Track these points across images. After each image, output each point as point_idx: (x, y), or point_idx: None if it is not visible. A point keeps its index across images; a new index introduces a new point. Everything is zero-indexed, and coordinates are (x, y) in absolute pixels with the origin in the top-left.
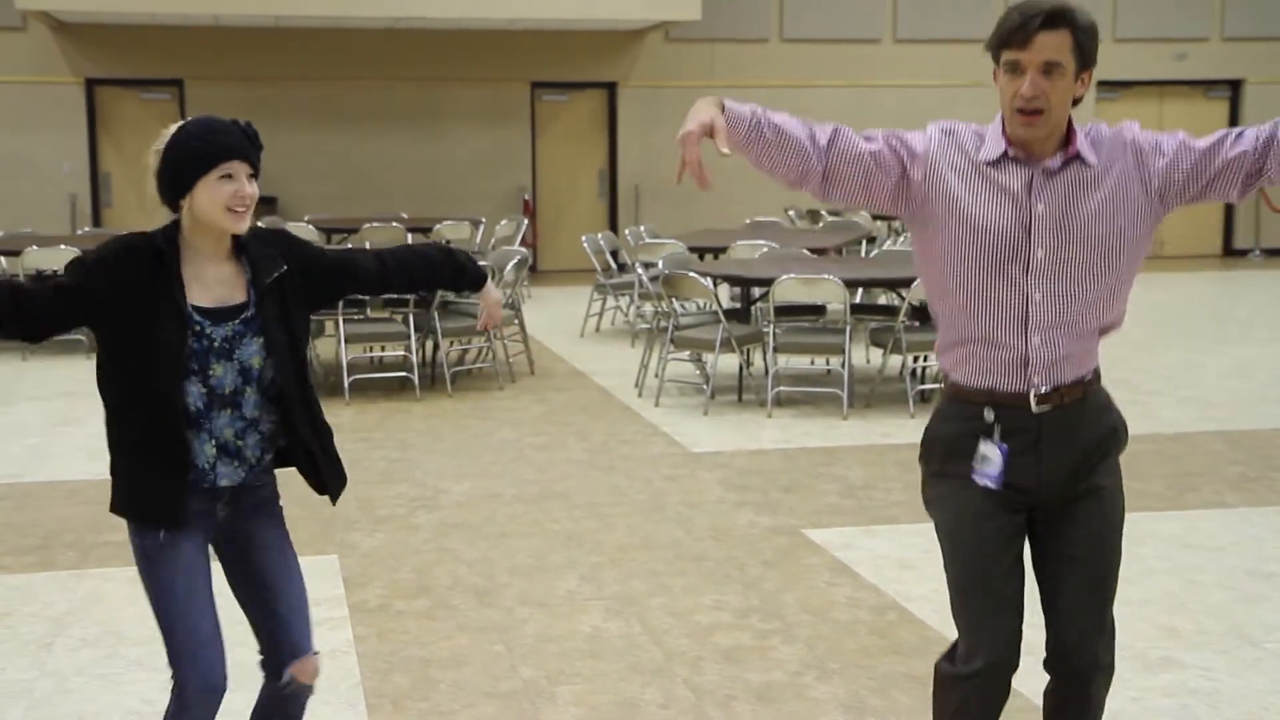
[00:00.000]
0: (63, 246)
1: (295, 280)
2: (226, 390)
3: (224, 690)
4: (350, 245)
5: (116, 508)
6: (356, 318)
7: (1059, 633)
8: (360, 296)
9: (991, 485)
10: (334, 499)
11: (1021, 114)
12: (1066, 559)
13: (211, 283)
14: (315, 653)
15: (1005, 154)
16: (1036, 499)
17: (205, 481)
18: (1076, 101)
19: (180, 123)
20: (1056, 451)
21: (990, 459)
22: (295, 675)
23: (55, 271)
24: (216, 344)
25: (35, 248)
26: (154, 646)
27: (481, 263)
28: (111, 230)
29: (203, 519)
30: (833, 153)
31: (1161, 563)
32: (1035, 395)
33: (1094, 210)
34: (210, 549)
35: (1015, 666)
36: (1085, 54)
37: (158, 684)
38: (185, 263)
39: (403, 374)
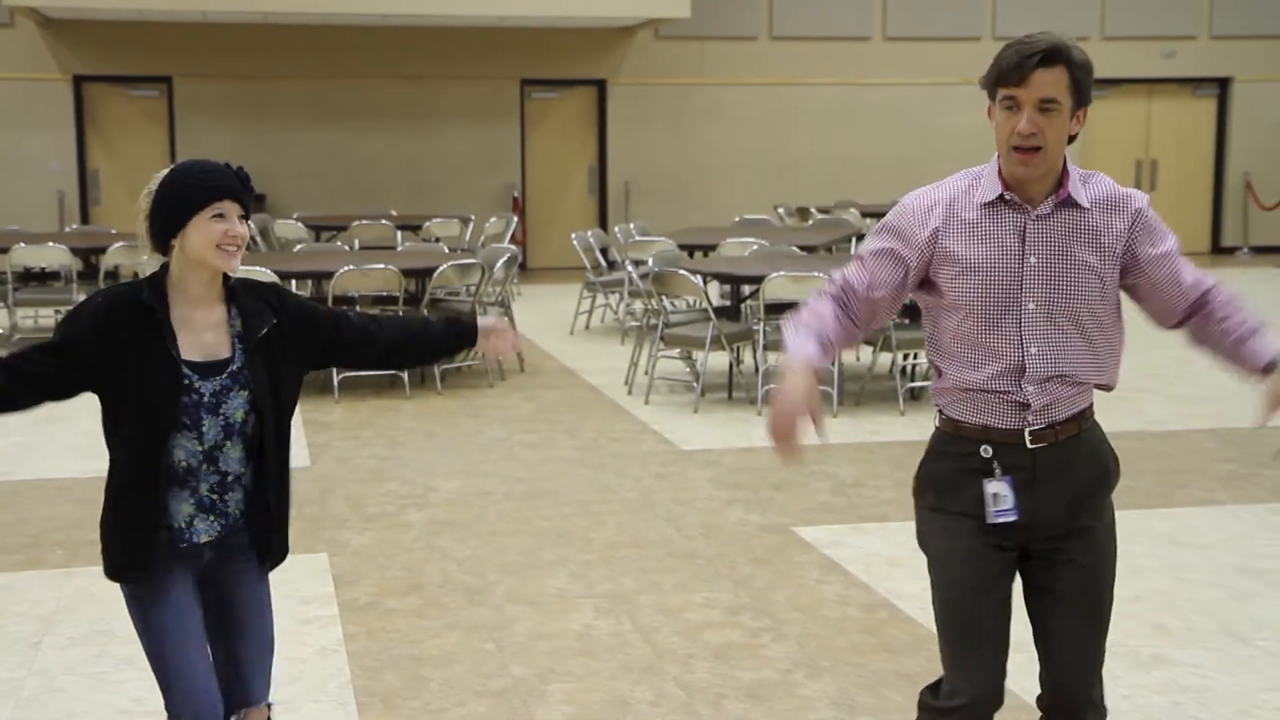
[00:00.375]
0: (51, 244)
1: (285, 335)
2: (208, 446)
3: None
4: (340, 243)
5: (105, 554)
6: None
7: (1051, 672)
8: (349, 362)
9: (1013, 518)
10: (270, 569)
11: (1018, 151)
12: (1058, 598)
13: (200, 328)
14: (269, 704)
15: (1001, 197)
16: (1028, 537)
17: (182, 541)
18: (1071, 139)
19: (171, 166)
20: (1051, 489)
21: (1001, 495)
22: (247, 718)
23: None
24: (205, 399)
25: (23, 245)
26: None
27: (470, 260)
28: (100, 227)
29: (188, 564)
30: (861, 318)
31: (1152, 560)
32: (1030, 432)
33: (1084, 261)
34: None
35: (999, 704)
36: (1081, 91)
37: (147, 683)
38: (174, 306)
39: (392, 372)
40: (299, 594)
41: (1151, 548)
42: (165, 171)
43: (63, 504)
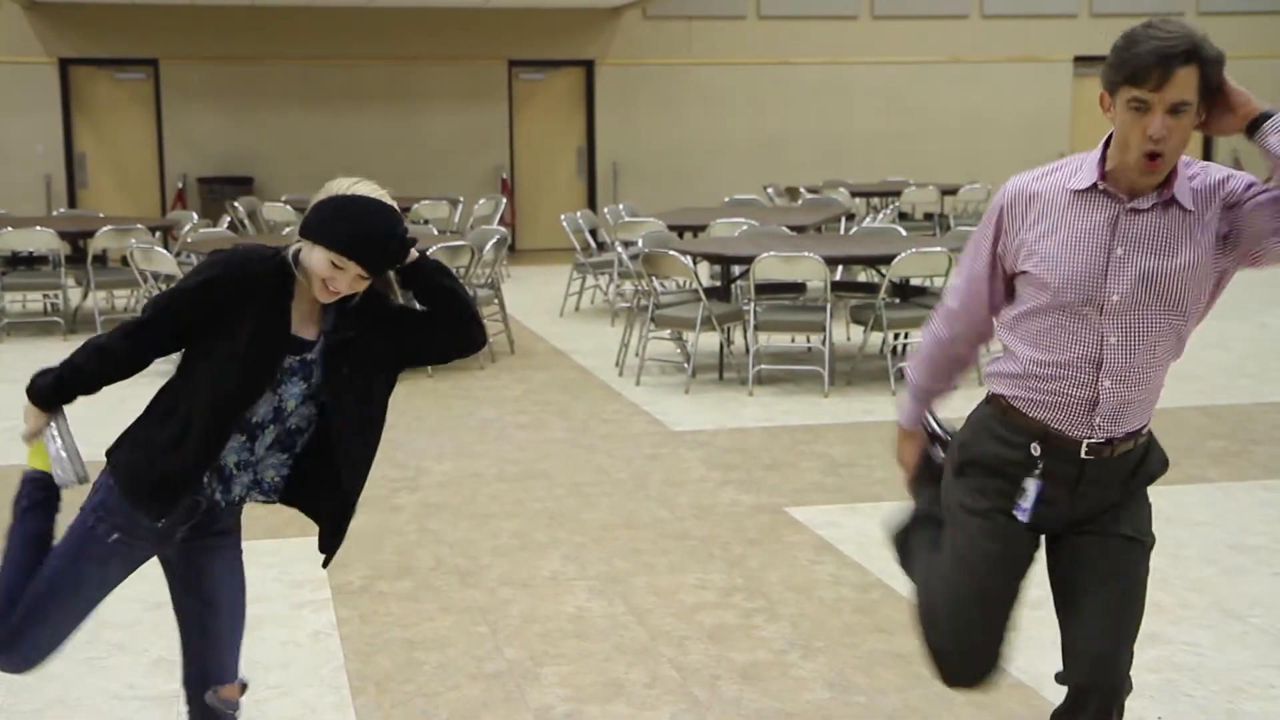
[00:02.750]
0: (38, 228)
1: (369, 340)
2: (255, 419)
3: (24, 672)
4: None
5: (119, 472)
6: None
7: (1088, 647)
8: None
9: (1023, 519)
10: (327, 561)
11: (1149, 159)
12: (1098, 570)
13: (304, 313)
14: (242, 680)
15: (1095, 185)
16: (1060, 529)
17: (200, 494)
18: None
19: (364, 193)
20: (1092, 493)
21: (1027, 492)
22: (216, 697)
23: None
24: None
25: (10, 229)
26: (136, 630)
27: (460, 242)
28: (87, 211)
29: (161, 538)
30: (972, 337)
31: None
32: (1088, 444)
33: (1177, 261)
34: (155, 560)
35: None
36: (1209, 89)
37: (140, 667)
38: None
39: None
40: (291, 578)
41: None
42: (358, 190)
43: None
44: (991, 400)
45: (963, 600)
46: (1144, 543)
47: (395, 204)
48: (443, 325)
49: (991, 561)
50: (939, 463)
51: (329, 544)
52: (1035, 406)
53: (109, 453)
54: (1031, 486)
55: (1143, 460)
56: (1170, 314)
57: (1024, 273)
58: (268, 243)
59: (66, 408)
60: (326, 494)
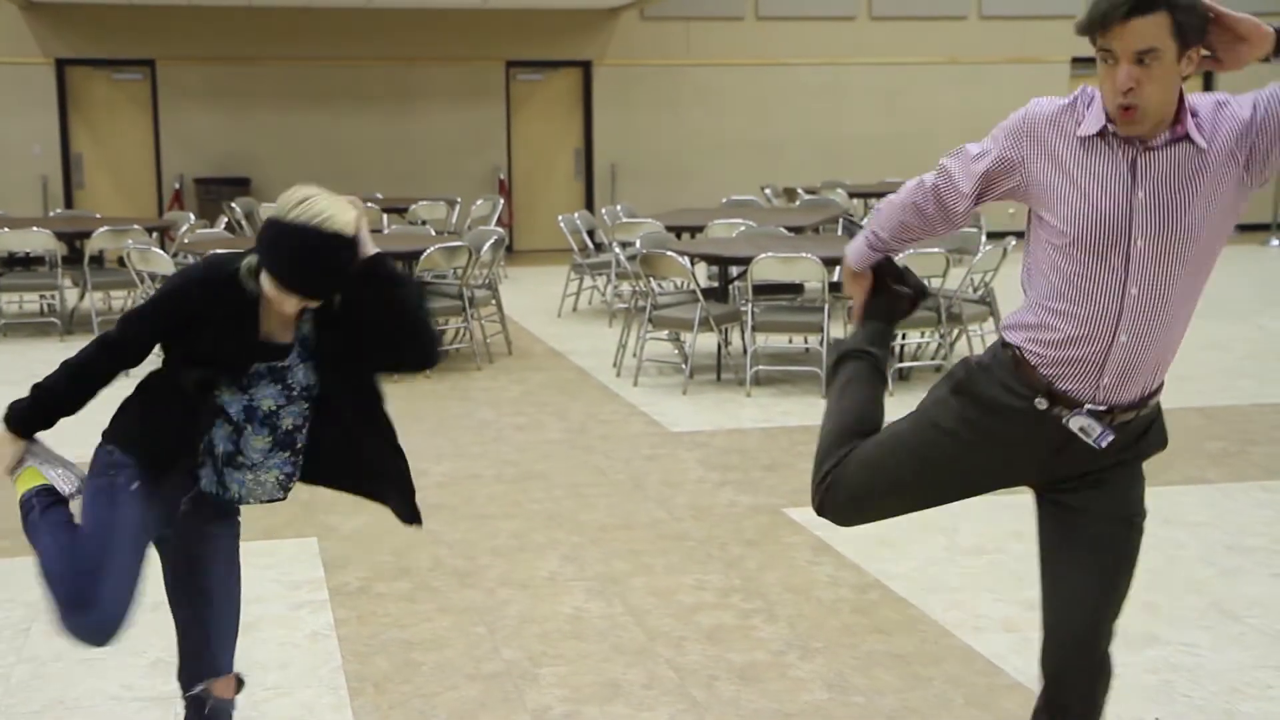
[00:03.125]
0: (34, 229)
1: (348, 340)
2: (230, 413)
3: (109, 639)
4: None
5: (114, 439)
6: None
7: (1069, 621)
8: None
9: (1104, 443)
10: (411, 518)
11: (1122, 110)
12: (1083, 540)
13: (278, 319)
14: (238, 674)
15: (1104, 130)
16: (1043, 483)
17: (195, 470)
18: (1185, 78)
19: (307, 216)
20: (1081, 456)
21: (1088, 427)
22: (210, 691)
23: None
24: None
25: (6, 230)
26: (132, 630)
27: (457, 243)
28: (84, 212)
29: (166, 502)
30: (947, 215)
31: (1143, 539)
32: (1088, 410)
33: (1197, 198)
34: (154, 547)
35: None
36: (1186, 33)
37: (138, 668)
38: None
39: None
40: (289, 579)
41: None
42: (296, 207)
43: None
44: (1006, 347)
45: (886, 473)
46: (1135, 522)
47: (345, 218)
48: (388, 340)
49: (934, 461)
50: (891, 296)
51: (407, 514)
52: (1045, 361)
53: (109, 426)
54: (1088, 421)
55: (1143, 434)
56: (1194, 258)
57: (1040, 218)
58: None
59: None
60: (377, 473)
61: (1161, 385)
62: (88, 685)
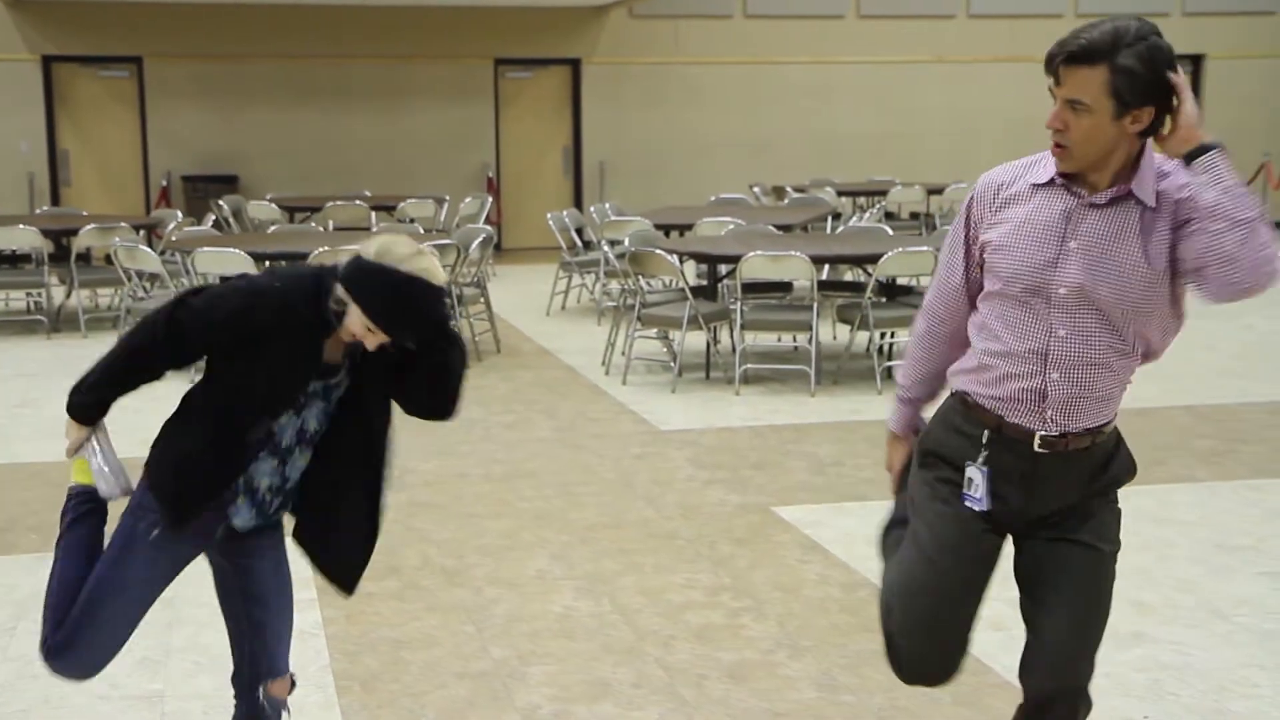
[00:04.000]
0: (21, 226)
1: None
2: (284, 444)
3: (88, 679)
4: (314, 225)
5: (151, 475)
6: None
7: (1046, 655)
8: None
9: (978, 508)
10: (346, 587)
11: (1054, 145)
12: (1059, 576)
13: (335, 341)
14: (291, 673)
15: (1053, 179)
16: (1021, 524)
17: (228, 505)
18: (1147, 134)
19: (421, 269)
20: (1048, 491)
21: (975, 482)
22: (269, 692)
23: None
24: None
25: None
26: None
27: (446, 241)
28: (71, 209)
29: (199, 535)
30: (954, 334)
31: (1131, 538)
32: (1040, 437)
33: (1131, 257)
34: (203, 557)
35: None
36: (1125, 97)
37: (123, 667)
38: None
39: None
40: None
41: (1131, 525)
42: (410, 259)
43: (37, 488)
44: (954, 394)
45: (917, 590)
46: (1106, 551)
47: (441, 275)
48: (423, 390)
49: (948, 552)
50: None
51: (345, 582)
52: (990, 399)
53: (151, 450)
54: (977, 475)
55: (1107, 463)
56: (1121, 312)
57: (987, 267)
58: (251, 239)
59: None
60: (345, 529)
61: (1114, 417)
62: (73, 685)
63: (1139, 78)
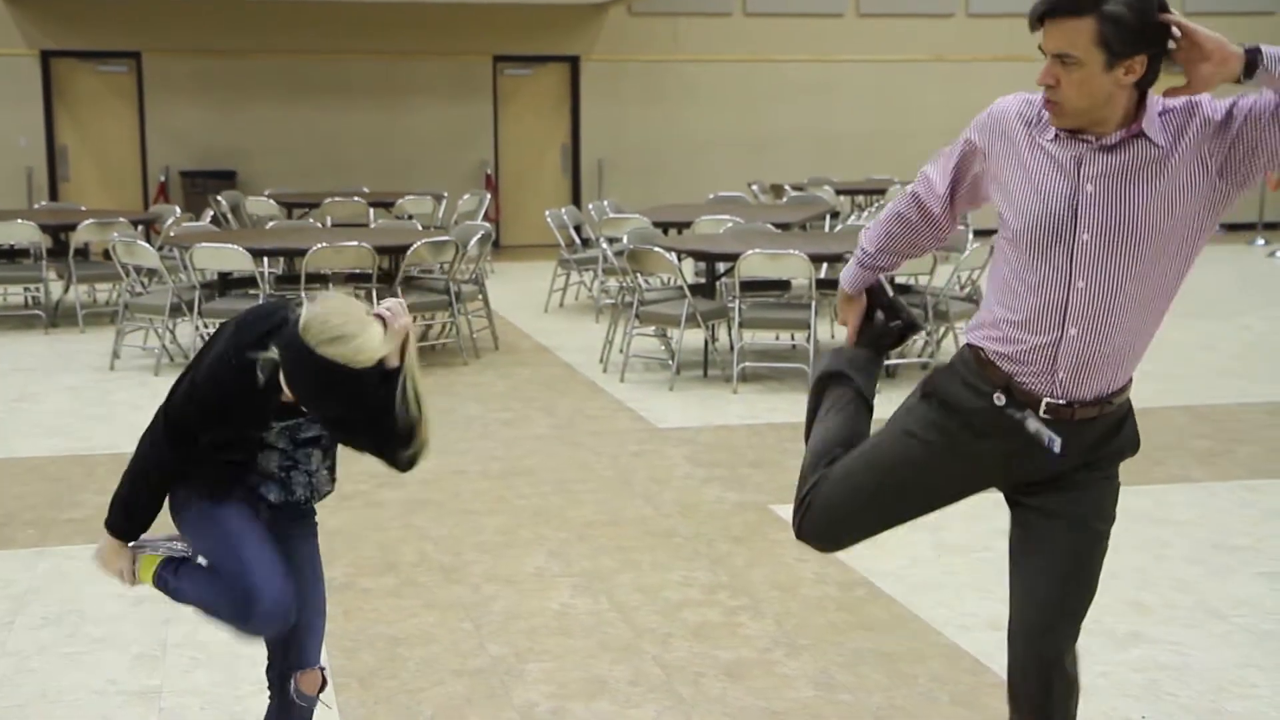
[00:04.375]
0: (19, 221)
1: None
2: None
3: (289, 615)
4: (313, 221)
5: (172, 503)
6: (318, 291)
7: (1022, 624)
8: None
9: (1058, 450)
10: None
11: (1044, 102)
12: (1043, 544)
13: None
14: (321, 667)
15: (1058, 134)
16: (1028, 491)
17: (262, 491)
18: (1142, 83)
19: (327, 349)
20: (1046, 461)
21: (1041, 434)
22: (299, 686)
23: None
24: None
25: None
26: (118, 625)
27: (444, 238)
28: (69, 204)
29: (247, 503)
30: (929, 219)
31: (1129, 537)
32: (1047, 402)
33: (1151, 196)
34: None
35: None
36: (1114, 47)
37: (122, 662)
38: None
39: None
40: None
41: (1128, 525)
42: (328, 339)
43: (34, 482)
44: (969, 347)
45: (859, 488)
46: (1099, 530)
47: (372, 347)
48: (382, 437)
49: (905, 470)
50: (880, 326)
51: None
52: (1002, 357)
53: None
54: (1037, 428)
55: (1114, 434)
56: (1151, 256)
57: (1000, 215)
58: (250, 235)
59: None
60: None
61: (1128, 384)
62: (71, 679)
63: (1127, 25)
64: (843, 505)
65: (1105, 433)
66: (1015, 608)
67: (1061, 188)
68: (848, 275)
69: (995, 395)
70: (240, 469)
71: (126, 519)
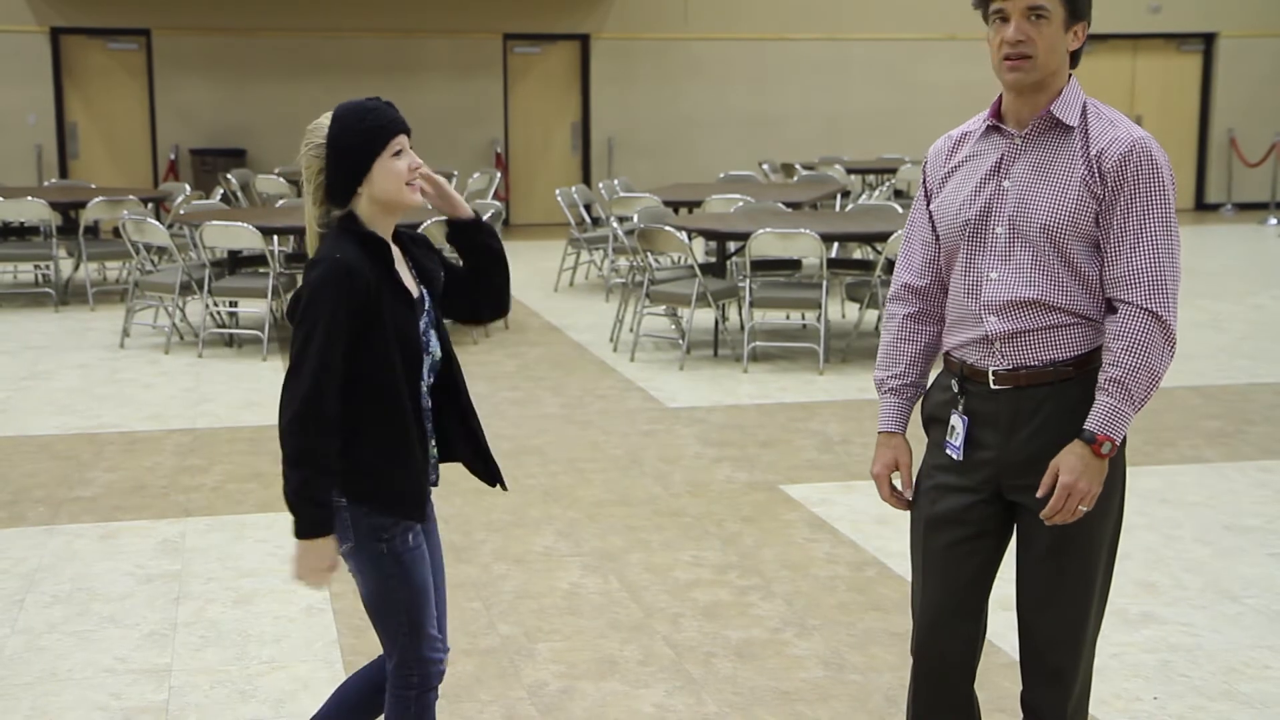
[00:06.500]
0: (29, 198)
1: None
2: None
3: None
4: None
5: (361, 498)
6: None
7: (1022, 623)
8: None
9: (954, 456)
10: (503, 483)
11: (1009, 60)
12: (1031, 550)
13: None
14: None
15: (988, 127)
16: (1000, 480)
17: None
18: (1075, 58)
19: (329, 114)
20: (1025, 434)
21: (956, 429)
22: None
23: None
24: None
25: (1, 200)
26: (126, 603)
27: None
28: (79, 181)
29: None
30: (933, 300)
31: (1140, 518)
32: (993, 372)
33: (1059, 179)
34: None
35: (960, 669)
36: (1075, 4)
37: (131, 641)
38: None
39: None
40: (285, 552)
41: (1139, 505)
42: (326, 121)
43: (44, 460)
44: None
45: (929, 558)
46: (1093, 516)
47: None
48: (483, 286)
49: (951, 521)
50: None
51: (493, 473)
52: (954, 347)
53: (344, 485)
54: (958, 423)
55: (1088, 399)
56: (1052, 242)
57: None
58: (260, 213)
59: None
60: (462, 434)
61: (1086, 352)
62: (81, 657)
63: None
64: (930, 588)
65: (1077, 402)
66: (1019, 619)
67: (982, 187)
68: (884, 414)
69: (953, 381)
70: (424, 431)
71: (314, 506)
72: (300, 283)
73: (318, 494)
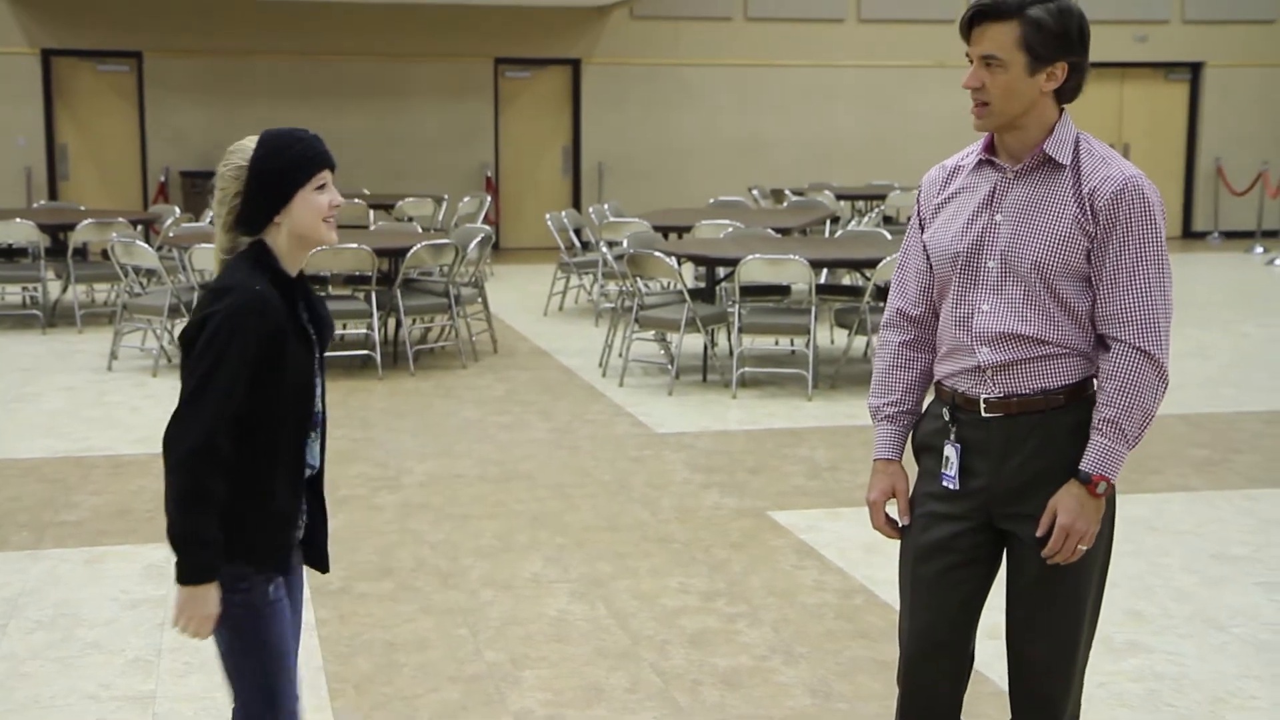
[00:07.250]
0: (18, 220)
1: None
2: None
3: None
4: None
5: (234, 556)
6: (318, 294)
7: (1012, 677)
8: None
9: (950, 486)
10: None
11: (973, 106)
12: (1020, 579)
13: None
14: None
15: (981, 160)
16: (991, 508)
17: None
18: (1070, 93)
19: (254, 137)
20: (1016, 462)
21: (950, 459)
22: None
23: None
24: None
25: None
26: (111, 628)
27: (444, 241)
28: (68, 204)
29: (293, 558)
30: (923, 312)
31: (1126, 546)
32: (984, 401)
33: (1051, 216)
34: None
35: (947, 700)
36: (1036, 50)
37: (115, 667)
38: None
39: (365, 352)
40: None
41: (1126, 533)
42: (250, 143)
43: (29, 484)
44: (934, 384)
45: (917, 586)
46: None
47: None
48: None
49: (940, 549)
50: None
51: (323, 557)
52: (947, 377)
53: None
54: (951, 452)
55: (1076, 436)
56: (1043, 279)
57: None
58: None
59: None
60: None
61: (1077, 381)
62: (64, 684)
63: (1048, 30)
64: (918, 616)
65: (1067, 432)
66: (1009, 649)
67: (975, 219)
68: (880, 441)
69: (944, 410)
70: (300, 478)
71: (198, 547)
72: (201, 306)
73: (206, 536)
